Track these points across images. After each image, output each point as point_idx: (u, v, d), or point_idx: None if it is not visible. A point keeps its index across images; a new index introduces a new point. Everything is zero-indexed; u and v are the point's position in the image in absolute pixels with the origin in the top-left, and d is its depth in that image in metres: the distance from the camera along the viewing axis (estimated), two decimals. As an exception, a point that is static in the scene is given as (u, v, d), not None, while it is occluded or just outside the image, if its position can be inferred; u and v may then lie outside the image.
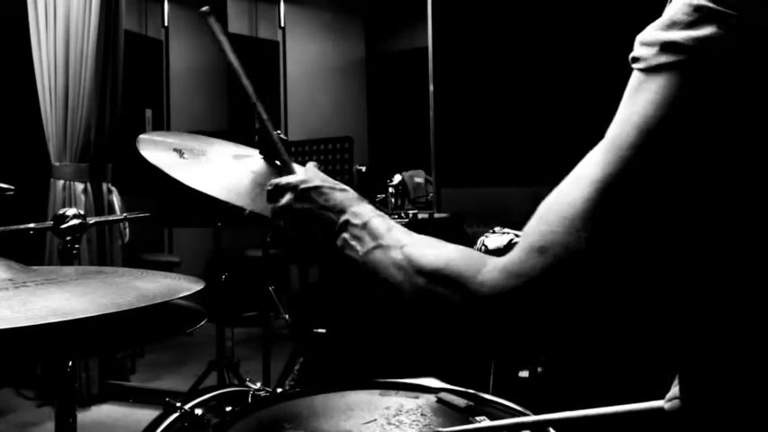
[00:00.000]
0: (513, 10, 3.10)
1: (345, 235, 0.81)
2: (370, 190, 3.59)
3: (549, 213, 0.63)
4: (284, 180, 0.89)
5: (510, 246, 2.16)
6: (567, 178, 0.64)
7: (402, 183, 3.54)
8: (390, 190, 3.38)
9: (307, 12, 5.67)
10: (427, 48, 3.34)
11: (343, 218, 0.82)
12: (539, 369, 2.10)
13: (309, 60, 5.70)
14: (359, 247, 0.79)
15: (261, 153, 1.28)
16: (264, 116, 1.03)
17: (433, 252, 0.74)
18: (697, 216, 0.60)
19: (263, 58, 5.48)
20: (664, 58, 0.57)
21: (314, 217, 0.84)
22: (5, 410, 3.30)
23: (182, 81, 5.44)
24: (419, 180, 3.88)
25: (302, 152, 3.05)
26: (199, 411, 1.17)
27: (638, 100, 0.58)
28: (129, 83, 3.76)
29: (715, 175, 0.58)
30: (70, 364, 1.18)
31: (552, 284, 0.61)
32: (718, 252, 0.62)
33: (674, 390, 0.87)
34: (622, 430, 0.99)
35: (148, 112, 5.21)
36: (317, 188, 0.85)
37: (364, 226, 0.80)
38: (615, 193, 0.59)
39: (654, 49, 0.58)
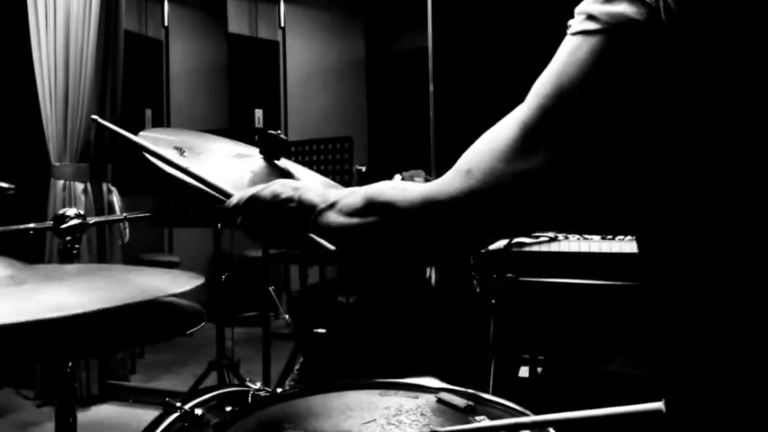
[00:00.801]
0: (514, 10, 3.10)
1: (289, 215, 0.91)
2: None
3: (480, 144, 0.74)
4: (230, 203, 0.99)
5: (510, 245, 2.16)
6: (502, 119, 0.74)
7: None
8: (390, 190, 3.37)
9: (307, 12, 5.67)
10: (427, 48, 3.34)
11: (282, 204, 0.91)
12: (539, 369, 2.10)
13: (309, 60, 5.70)
14: (304, 219, 0.89)
15: (261, 153, 1.29)
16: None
17: (359, 191, 0.84)
18: (599, 161, 0.68)
19: (263, 58, 5.48)
20: (584, 26, 0.66)
21: (261, 217, 0.94)
22: (5, 410, 3.30)
23: (182, 81, 5.44)
24: (419, 180, 3.87)
25: (302, 152, 3.05)
26: (199, 411, 1.17)
27: (560, 57, 0.68)
28: (129, 83, 3.76)
29: (619, 131, 0.66)
30: (70, 364, 1.18)
31: (472, 201, 0.71)
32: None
33: None
34: (621, 431, 0.99)
35: (148, 112, 5.21)
36: (251, 197, 0.95)
37: (299, 202, 0.90)
38: (533, 132, 0.68)
39: (580, 18, 0.67)
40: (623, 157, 0.68)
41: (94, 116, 1.25)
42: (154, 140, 1.19)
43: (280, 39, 5.55)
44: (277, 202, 0.91)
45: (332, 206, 0.86)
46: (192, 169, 1.07)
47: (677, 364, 0.72)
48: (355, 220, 0.81)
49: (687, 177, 0.65)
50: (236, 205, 0.96)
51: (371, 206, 0.80)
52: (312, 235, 0.98)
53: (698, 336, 0.68)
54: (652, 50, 0.62)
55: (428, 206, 0.75)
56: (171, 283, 0.89)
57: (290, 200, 0.90)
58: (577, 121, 0.66)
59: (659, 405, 0.87)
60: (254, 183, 1.15)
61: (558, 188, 0.68)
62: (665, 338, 0.72)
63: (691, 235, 0.66)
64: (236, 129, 5.10)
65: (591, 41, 0.64)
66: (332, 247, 1.00)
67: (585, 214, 2.25)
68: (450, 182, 0.73)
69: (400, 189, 0.80)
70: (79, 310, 0.72)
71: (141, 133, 1.19)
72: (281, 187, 0.93)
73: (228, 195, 1.01)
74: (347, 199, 0.84)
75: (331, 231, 0.86)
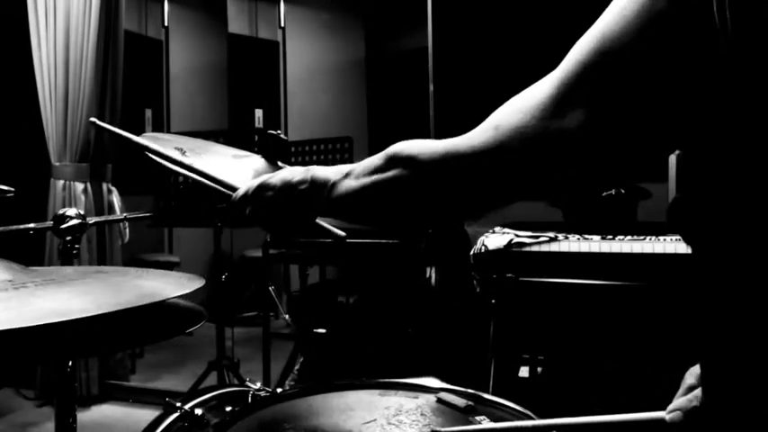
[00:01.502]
0: (514, 10, 3.10)
1: (304, 199, 0.89)
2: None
3: (512, 102, 0.71)
4: (237, 195, 0.97)
5: (510, 245, 2.16)
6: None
7: (402, 183, 3.54)
8: (390, 190, 3.37)
9: (307, 12, 5.67)
10: (427, 48, 3.34)
11: (294, 189, 0.89)
12: (539, 369, 2.10)
13: (309, 60, 5.70)
14: (321, 197, 0.87)
15: (261, 154, 1.29)
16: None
17: (379, 154, 0.82)
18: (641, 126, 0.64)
19: (263, 58, 5.48)
20: None
21: (272, 206, 0.92)
22: (5, 410, 3.30)
23: (182, 81, 5.44)
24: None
25: (302, 152, 3.04)
26: (199, 411, 1.17)
27: (606, 14, 0.65)
28: (129, 83, 3.76)
29: (664, 95, 0.61)
30: (70, 364, 1.18)
31: (496, 155, 0.69)
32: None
33: (677, 402, 0.87)
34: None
35: (148, 112, 5.21)
36: (259, 186, 0.93)
37: (313, 182, 0.88)
38: (571, 89, 0.65)
39: None
40: (662, 122, 0.63)
41: (93, 119, 1.24)
42: (155, 142, 1.19)
43: (280, 39, 5.55)
44: (288, 187, 0.89)
45: (347, 175, 0.84)
46: (196, 166, 1.06)
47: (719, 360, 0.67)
48: (374, 177, 0.80)
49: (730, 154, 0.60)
50: (245, 196, 0.94)
51: (392, 161, 0.79)
52: (321, 221, 0.96)
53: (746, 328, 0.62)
54: (711, 18, 0.56)
55: (450, 158, 0.73)
56: (171, 286, 0.89)
57: (302, 182, 0.89)
58: (620, 80, 0.62)
59: (660, 415, 0.87)
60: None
61: (589, 149, 0.65)
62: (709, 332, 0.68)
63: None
64: (236, 129, 5.10)
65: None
66: (341, 233, 0.99)
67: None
68: (476, 136, 0.71)
69: (423, 143, 0.79)
70: (78, 316, 0.72)
71: (143, 135, 1.19)
72: (290, 173, 0.91)
73: (234, 189, 0.99)
74: (365, 163, 0.83)
75: (347, 199, 0.83)
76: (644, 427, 0.88)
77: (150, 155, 1.11)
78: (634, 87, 0.61)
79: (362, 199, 0.82)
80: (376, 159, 0.82)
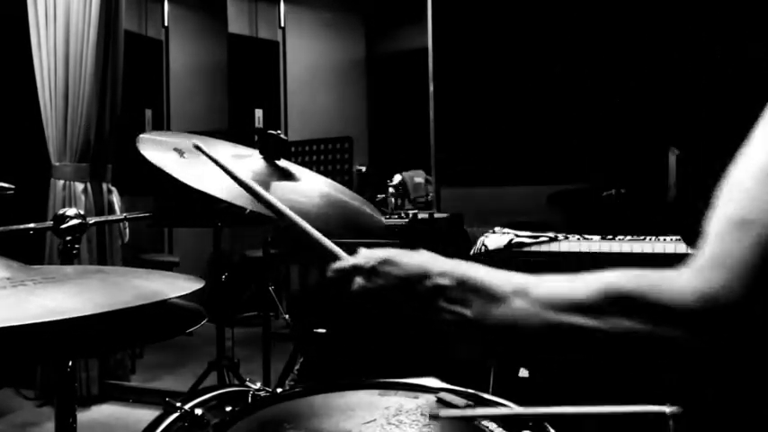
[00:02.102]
0: (514, 10, 3.10)
1: (441, 302, 0.70)
2: (369, 190, 3.59)
3: (746, 180, 0.54)
4: (347, 262, 0.78)
5: (510, 245, 2.16)
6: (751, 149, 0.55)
7: (402, 183, 3.54)
8: (390, 190, 3.38)
9: (307, 12, 5.67)
10: (427, 48, 3.34)
11: (430, 284, 0.72)
12: (538, 369, 2.10)
13: (309, 60, 5.70)
14: (466, 310, 0.69)
15: (261, 153, 1.28)
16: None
17: (576, 284, 0.62)
18: None
19: (263, 58, 5.48)
20: None
21: (394, 292, 0.74)
22: (5, 410, 3.30)
23: (182, 81, 5.44)
24: (419, 180, 3.87)
25: (302, 152, 3.04)
26: (199, 411, 1.17)
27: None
28: (129, 83, 3.76)
29: None
30: (70, 364, 1.18)
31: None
32: None
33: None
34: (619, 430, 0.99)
35: (148, 112, 5.21)
36: (386, 260, 0.74)
37: (462, 285, 0.70)
38: None
39: None
40: None
41: (197, 143, 1.05)
42: (153, 143, 1.19)
43: (280, 39, 5.55)
44: (424, 275, 0.71)
45: (519, 293, 0.65)
46: (304, 224, 0.89)
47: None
48: (587, 321, 0.60)
49: None
50: (358, 268, 0.76)
51: (618, 303, 0.59)
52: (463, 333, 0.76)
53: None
54: None
55: (714, 310, 0.53)
56: (170, 287, 0.89)
57: (445, 275, 0.70)
58: None
59: (665, 408, 0.87)
60: (254, 182, 1.15)
61: None
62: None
63: None
64: (236, 129, 5.10)
65: None
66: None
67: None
68: (735, 255, 0.52)
69: (652, 280, 0.58)
70: (76, 315, 0.72)
71: (141, 136, 1.19)
72: (429, 260, 0.72)
73: (337, 254, 0.81)
74: (557, 287, 0.64)
75: (524, 330, 0.64)
76: (645, 420, 0.88)
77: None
78: None
79: (556, 339, 0.62)
80: (581, 289, 0.62)
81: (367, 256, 0.76)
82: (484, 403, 1.11)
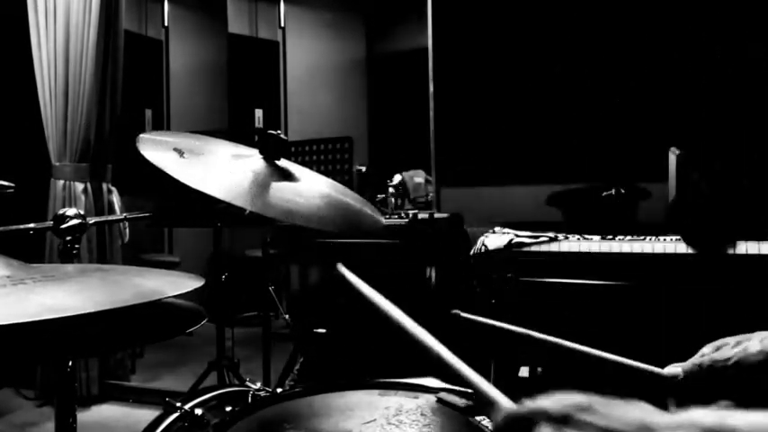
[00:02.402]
0: (514, 10, 3.10)
1: None
2: (369, 190, 3.59)
3: None
4: (526, 408, 0.60)
5: (510, 245, 2.16)
6: None
7: (402, 183, 3.54)
8: (390, 190, 3.38)
9: (307, 11, 5.67)
10: (427, 48, 3.34)
11: None
12: (539, 369, 2.10)
13: (310, 60, 5.70)
14: None
15: (261, 153, 1.28)
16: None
17: None
18: None
19: (263, 58, 5.48)
20: None
21: None
22: (5, 410, 3.30)
23: (182, 81, 5.44)
24: (419, 180, 3.87)
25: (302, 152, 3.05)
26: (199, 411, 1.17)
27: None
28: (129, 83, 3.76)
29: None
30: (70, 364, 1.18)
31: None
32: None
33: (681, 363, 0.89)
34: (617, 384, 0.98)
35: (148, 112, 5.21)
36: (586, 408, 0.57)
37: None
38: None
39: None
40: None
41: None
42: (154, 143, 1.19)
43: (280, 39, 5.55)
44: None
45: None
46: (447, 358, 0.80)
47: None
48: None
49: None
50: (544, 414, 0.57)
51: None
52: None
53: None
54: None
55: None
56: (170, 285, 0.89)
57: None
58: None
59: (678, 370, 0.89)
60: (254, 182, 1.15)
61: None
62: None
63: None
64: (236, 129, 5.10)
65: None
66: None
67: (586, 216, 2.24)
68: None
69: None
70: (76, 312, 0.72)
71: (141, 136, 1.19)
72: (651, 415, 0.52)
73: (491, 400, 0.67)
74: None
75: None
76: (640, 378, 0.89)
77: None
78: None
79: None
80: None
81: (557, 400, 0.59)
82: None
